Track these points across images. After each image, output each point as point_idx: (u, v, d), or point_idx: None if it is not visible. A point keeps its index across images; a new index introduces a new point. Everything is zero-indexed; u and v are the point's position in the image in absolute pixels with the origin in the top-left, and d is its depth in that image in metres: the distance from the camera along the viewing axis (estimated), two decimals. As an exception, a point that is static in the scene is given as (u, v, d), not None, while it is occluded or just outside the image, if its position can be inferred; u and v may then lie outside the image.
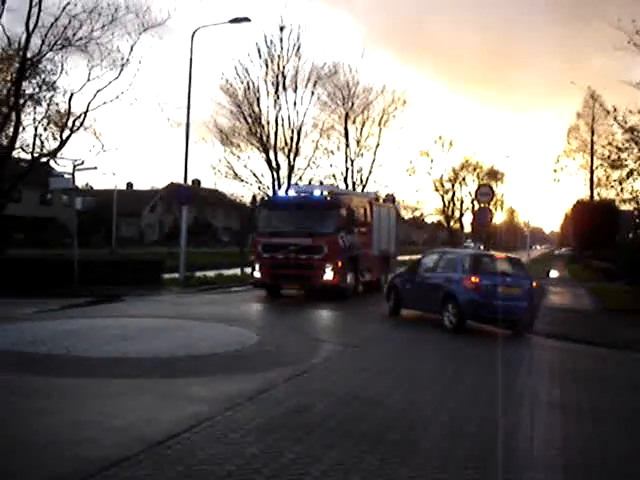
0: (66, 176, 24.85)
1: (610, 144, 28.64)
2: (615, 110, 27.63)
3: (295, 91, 42.24)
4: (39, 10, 26.39)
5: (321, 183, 40.62)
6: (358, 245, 23.50)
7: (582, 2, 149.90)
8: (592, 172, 59.33)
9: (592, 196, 60.39)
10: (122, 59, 29.28)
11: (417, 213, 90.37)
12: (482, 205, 28.38)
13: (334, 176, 45.89)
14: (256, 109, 41.48)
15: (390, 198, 31.73)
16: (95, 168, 27.57)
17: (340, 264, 21.75)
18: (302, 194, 24.44)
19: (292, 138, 42.06)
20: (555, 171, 59.78)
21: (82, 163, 26.70)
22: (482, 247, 42.98)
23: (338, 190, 25.46)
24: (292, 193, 25.30)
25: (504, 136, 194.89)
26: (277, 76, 41.29)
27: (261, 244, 22.56)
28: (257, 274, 22.76)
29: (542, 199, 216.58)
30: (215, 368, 10.56)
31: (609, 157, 27.45)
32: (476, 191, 29.72)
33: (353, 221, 23.08)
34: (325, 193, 23.64)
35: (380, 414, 8.25)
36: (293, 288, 23.77)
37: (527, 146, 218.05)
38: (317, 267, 21.54)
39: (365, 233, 24.80)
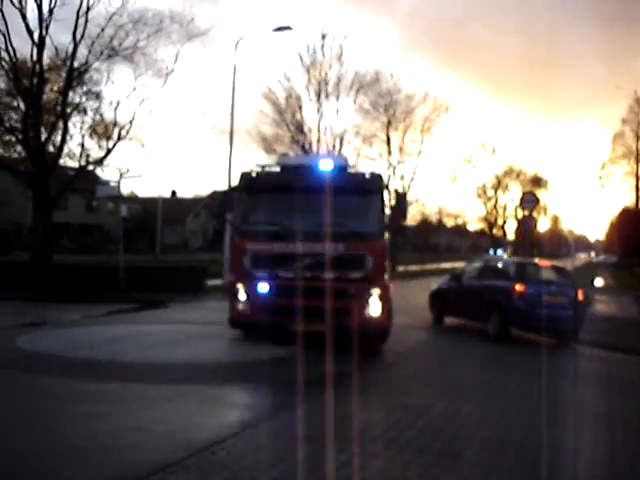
0: (112, 184, 25.35)
1: None
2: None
3: (337, 99, 42.44)
4: (86, 21, 26.83)
5: None
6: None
7: (625, 6, 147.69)
8: (638, 179, 58.25)
9: (638, 203, 59.34)
10: (167, 68, 29.58)
11: (459, 220, 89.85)
12: (526, 213, 28.10)
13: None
14: (298, 117, 41.84)
15: None
16: (140, 176, 28.03)
17: (389, 288, 13.28)
18: (314, 166, 13.51)
19: (334, 145, 42.28)
20: (600, 178, 59.00)
21: (127, 171, 27.14)
22: (505, 255, 42.22)
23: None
24: (276, 169, 14.34)
25: (547, 142, 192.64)
26: (319, 84, 41.64)
27: (251, 254, 12.99)
28: (241, 306, 13.06)
29: (587, 206, 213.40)
30: (260, 375, 10.57)
31: None
32: (520, 198, 29.49)
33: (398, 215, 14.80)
34: (351, 167, 14.41)
35: (424, 423, 8.20)
36: (310, 330, 11.78)
37: (571, 153, 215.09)
38: (355, 294, 12.55)
39: None
